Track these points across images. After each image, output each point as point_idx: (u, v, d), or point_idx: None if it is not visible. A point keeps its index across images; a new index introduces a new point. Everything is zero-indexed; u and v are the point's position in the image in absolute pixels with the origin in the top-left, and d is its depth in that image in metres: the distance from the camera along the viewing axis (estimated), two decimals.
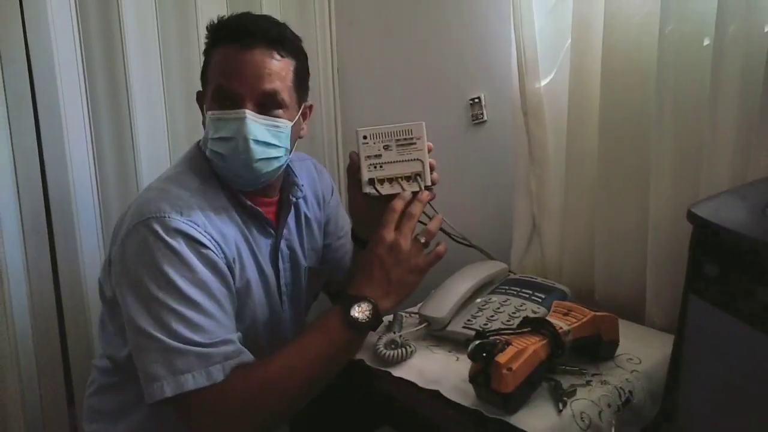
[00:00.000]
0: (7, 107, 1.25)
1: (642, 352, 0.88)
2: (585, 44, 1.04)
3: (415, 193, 0.94)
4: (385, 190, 0.95)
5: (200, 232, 0.88)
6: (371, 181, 0.96)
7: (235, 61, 0.91)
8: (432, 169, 0.96)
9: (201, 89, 1.00)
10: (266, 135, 0.93)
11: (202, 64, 0.99)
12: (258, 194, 1.01)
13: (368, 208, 0.98)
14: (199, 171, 0.97)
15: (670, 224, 0.93)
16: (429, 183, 0.95)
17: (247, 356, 0.86)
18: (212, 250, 0.89)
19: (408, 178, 0.95)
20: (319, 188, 1.17)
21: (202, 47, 1.00)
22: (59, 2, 1.28)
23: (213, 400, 0.81)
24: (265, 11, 1.56)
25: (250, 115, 0.91)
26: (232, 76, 0.91)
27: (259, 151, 0.92)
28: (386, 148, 0.95)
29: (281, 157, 0.96)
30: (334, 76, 1.74)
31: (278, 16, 1.55)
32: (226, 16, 0.96)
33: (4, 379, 1.29)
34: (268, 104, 0.93)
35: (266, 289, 1.02)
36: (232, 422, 0.82)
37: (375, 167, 0.95)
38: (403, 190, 0.94)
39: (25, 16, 1.25)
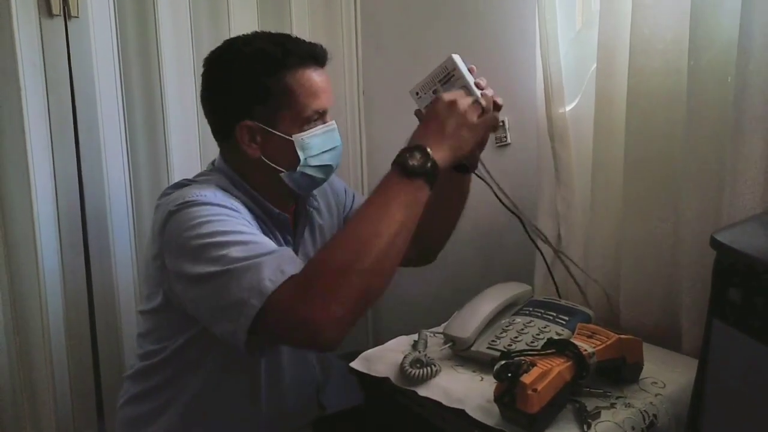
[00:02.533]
0: (50, 128, 1.31)
1: (666, 375, 0.88)
2: (610, 69, 1.04)
3: None
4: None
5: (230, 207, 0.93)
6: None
7: (321, 81, 1.00)
8: (481, 87, 0.96)
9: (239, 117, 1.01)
10: None
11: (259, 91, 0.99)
12: (276, 204, 1.05)
13: None
14: (219, 184, 1.00)
15: (698, 248, 0.92)
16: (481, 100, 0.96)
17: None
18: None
19: None
20: (331, 197, 1.21)
21: None
22: (102, 30, 1.35)
23: (300, 285, 0.79)
24: (296, 34, 1.60)
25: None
26: (324, 93, 1.01)
27: None
28: (435, 92, 0.98)
29: None
30: (359, 98, 1.78)
31: (307, 39, 1.60)
32: (288, 42, 1.02)
33: (39, 390, 1.33)
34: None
35: None
36: (329, 296, 0.78)
37: None
38: None
39: (70, 45, 1.32)
